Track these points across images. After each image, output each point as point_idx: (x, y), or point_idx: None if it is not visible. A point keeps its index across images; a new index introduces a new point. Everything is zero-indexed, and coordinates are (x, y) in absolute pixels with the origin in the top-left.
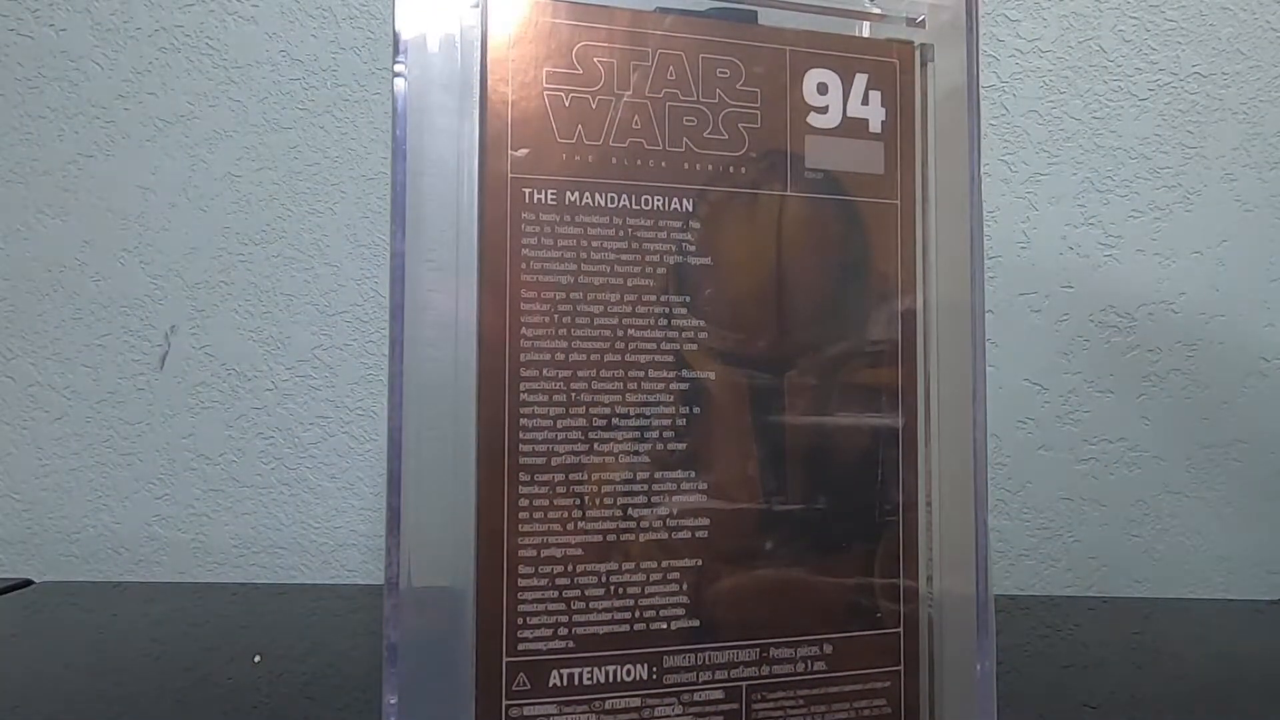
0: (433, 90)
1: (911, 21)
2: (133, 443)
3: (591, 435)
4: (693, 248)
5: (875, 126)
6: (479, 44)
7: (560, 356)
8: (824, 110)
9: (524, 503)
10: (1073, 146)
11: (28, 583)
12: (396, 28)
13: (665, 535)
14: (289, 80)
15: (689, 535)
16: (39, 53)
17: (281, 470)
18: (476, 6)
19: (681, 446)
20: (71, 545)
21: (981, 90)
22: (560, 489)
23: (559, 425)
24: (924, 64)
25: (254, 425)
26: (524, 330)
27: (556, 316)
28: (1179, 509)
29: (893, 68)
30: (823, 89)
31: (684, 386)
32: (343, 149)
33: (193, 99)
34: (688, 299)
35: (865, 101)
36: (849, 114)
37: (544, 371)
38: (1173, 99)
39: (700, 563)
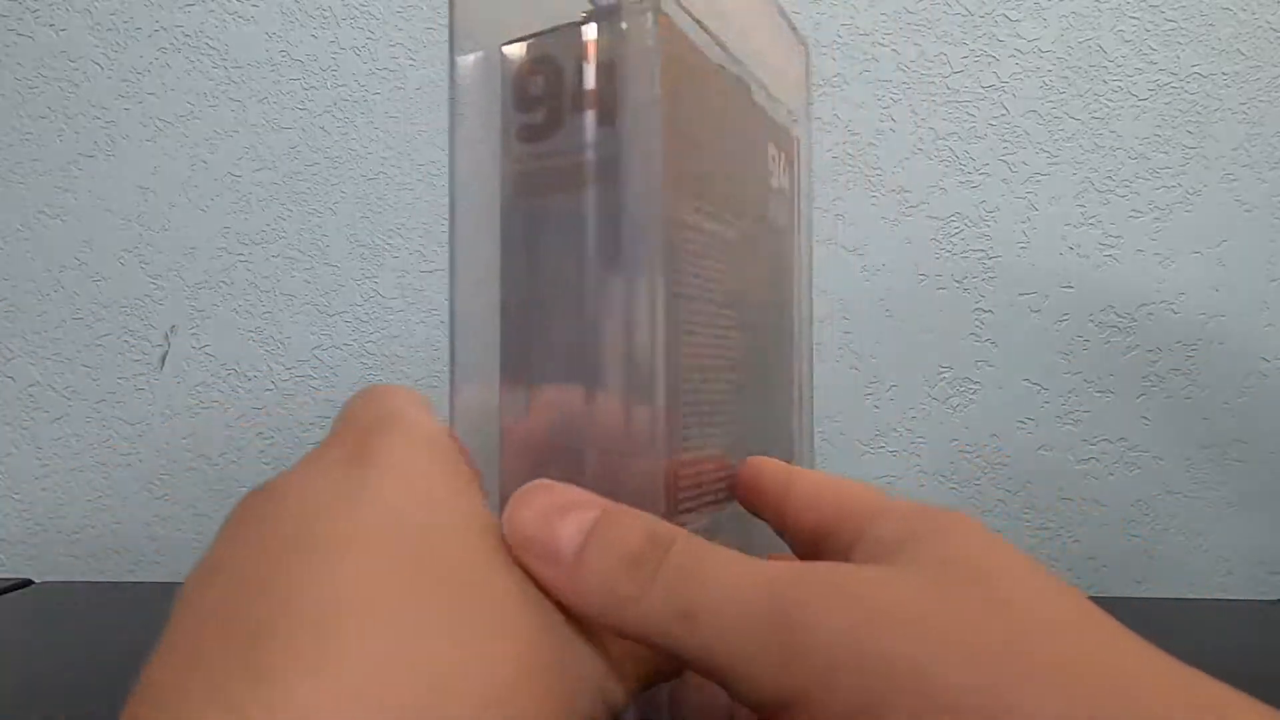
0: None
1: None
2: (133, 443)
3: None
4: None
5: (788, 189)
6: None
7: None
8: (773, 174)
9: None
10: (1073, 146)
11: (28, 583)
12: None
13: None
14: (289, 80)
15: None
16: (39, 53)
17: (281, 470)
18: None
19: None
20: (71, 545)
21: (981, 90)
22: None
23: None
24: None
25: (254, 425)
26: None
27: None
28: (1179, 509)
29: (792, 147)
30: (773, 159)
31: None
32: (343, 149)
33: (193, 99)
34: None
35: (784, 171)
36: (780, 179)
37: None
38: (1173, 99)
39: None
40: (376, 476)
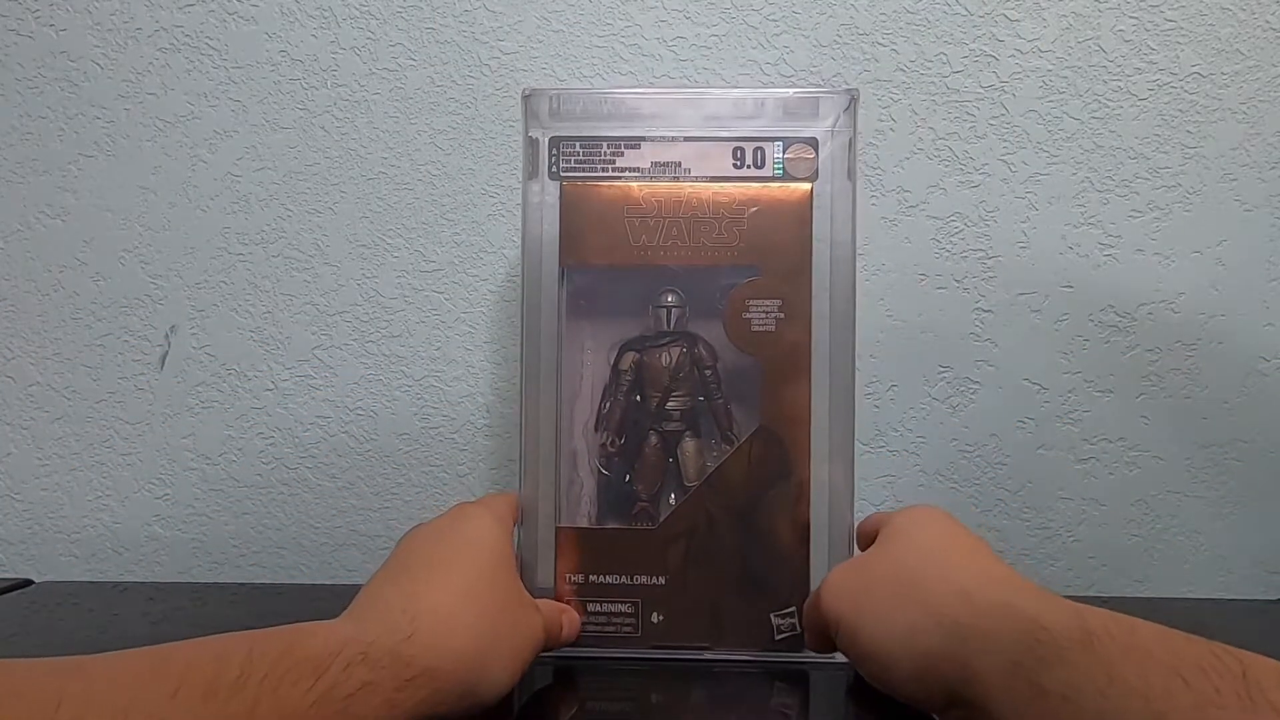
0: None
1: None
2: (133, 443)
3: None
4: None
5: None
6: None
7: None
8: None
9: None
10: (1073, 146)
11: (28, 583)
12: None
13: None
14: (289, 80)
15: None
16: (39, 53)
17: (281, 470)
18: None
19: None
20: (71, 545)
21: (981, 90)
22: None
23: None
24: None
25: (254, 425)
26: None
27: None
28: (1179, 509)
29: None
30: None
31: None
32: (343, 149)
33: (193, 99)
34: None
35: None
36: None
37: None
38: (1173, 99)
39: None
40: (465, 525)
